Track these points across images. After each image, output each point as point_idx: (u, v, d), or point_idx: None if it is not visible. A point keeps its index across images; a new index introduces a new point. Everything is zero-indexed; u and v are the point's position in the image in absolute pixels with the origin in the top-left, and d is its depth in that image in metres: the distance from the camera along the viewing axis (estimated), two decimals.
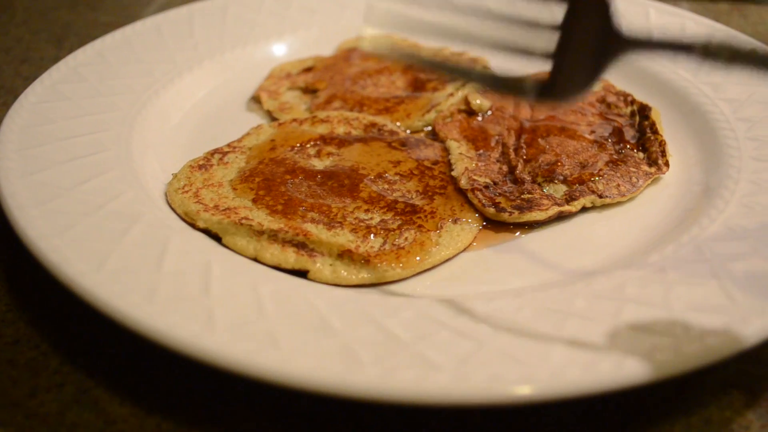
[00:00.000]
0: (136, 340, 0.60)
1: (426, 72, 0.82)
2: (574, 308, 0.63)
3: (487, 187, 0.81)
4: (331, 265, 0.71)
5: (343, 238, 0.74)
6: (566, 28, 0.63)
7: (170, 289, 0.63)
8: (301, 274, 0.71)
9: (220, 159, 0.85)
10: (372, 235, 0.75)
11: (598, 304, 0.63)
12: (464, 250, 0.75)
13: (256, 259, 0.72)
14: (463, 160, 0.85)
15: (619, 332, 0.59)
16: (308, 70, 1.05)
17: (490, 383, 0.55)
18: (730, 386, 0.64)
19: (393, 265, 0.72)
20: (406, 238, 0.75)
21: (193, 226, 0.75)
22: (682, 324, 0.60)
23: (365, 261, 0.71)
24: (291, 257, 0.71)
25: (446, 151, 0.88)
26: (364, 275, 0.71)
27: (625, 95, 0.96)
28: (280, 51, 1.09)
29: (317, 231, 0.74)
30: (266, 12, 1.12)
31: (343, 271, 0.71)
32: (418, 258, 0.73)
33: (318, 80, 1.02)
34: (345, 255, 0.72)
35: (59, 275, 0.64)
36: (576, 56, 0.63)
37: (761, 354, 0.66)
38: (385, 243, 0.74)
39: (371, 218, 0.77)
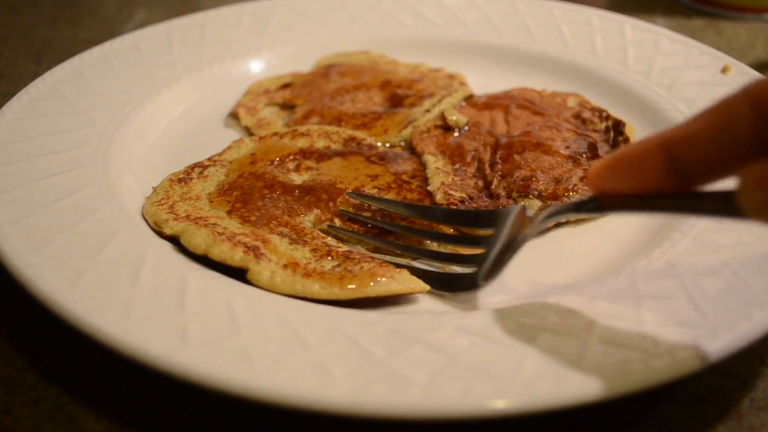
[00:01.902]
0: (111, 356, 0.61)
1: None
2: (546, 322, 0.63)
3: (462, 201, 0.82)
4: (271, 271, 0.70)
5: (300, 254, 0.74)
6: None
7: (145, 306, 0.64)
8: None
9: (200, 173, 0.86)
10: (329, 257, 0.74)
11: (570, 319, 0.64)
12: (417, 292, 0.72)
13: (205, 256, 0.72)
14: (440, 174, 0.86)
15: (591, 346, 0.60)
16: (286, 86, 1.05)
17: (462, 397, 0.56)
18: (700, 399, 0.65)
19: (332, 285, 0.70)
20: (361, 267, 0.72)
21: (161, 234, 0.76)
22: (653, 338, 0.60)
23: (306, 275, 0.71)
24: (237, 255, 0.71)
25: (423, 165, 0.88)
26: (297, 288, 0.69)
27: (600, 111, 0.97)
28: (258, 67, 1.09)
29: (279, 242, 0.75)
30: (244, 29, 1.13)
31: (278, 280, 0.70)
32: (363, 284, 0.70)
33: (296, 96, 1.02)
34: (290, 266, 0.71)
35: (35, 291, 0.64)
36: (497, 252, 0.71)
37: (731, 367, 0.67)
38: (338, 266, 0.73)
39: (339, 246, 0.77)
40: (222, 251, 0.71)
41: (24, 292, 0.66)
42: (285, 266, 0.71)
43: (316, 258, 0.74)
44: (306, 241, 0.76)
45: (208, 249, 0.72)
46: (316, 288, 0.69)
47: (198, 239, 0.73)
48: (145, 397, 0.64)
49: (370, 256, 0.75)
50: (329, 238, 0.78)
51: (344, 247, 0.77)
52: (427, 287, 0.72)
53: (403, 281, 0.71)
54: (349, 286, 0.69)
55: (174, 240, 0.75)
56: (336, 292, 0.69)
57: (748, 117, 0.51)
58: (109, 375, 0.66)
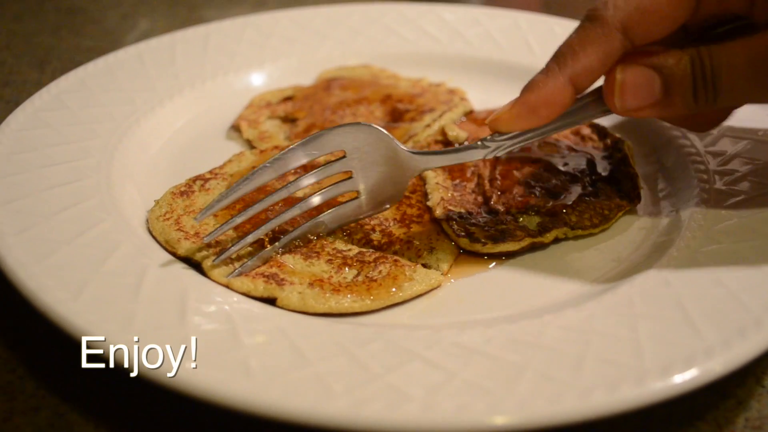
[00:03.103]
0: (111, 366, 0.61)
1: None
2: (543, 339, 0.64)
3: (461, 217, 0.82)
4: (300, 293, 0.71)
5: (318, 268, 0.75)
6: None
7: (147, 318, 0.64)
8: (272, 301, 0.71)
9: (202, 185, 0.86)
10: (347, 267, 0.75)
11: (566, 335, 0.64)
12: (437, 287, 0.76)
13: (227, 286, 0.72)
14: (439, 189, 0.86)
15: (586, 363, 0.61)
16: (288, 99, 1.06)
17: (459, 413, 0.56)
18: (696, 418, 0.65)
19: (362, 296, 0.72)
20: (380, 272, 0.75)
21: (174, 254, 0.76)
22: (649, 356, 0.61)
23: (335, 291, 0.72)
24: (260, 286, 0.72)
25: (422, 180, 0.89)
26: (331, 304, 0.71)
27: (599, 128, 0.97)
28: (260, 80, 1.10)
29: (293, 261, 0.75)
30: (247, 41, 1.13)
31: (311, 300, 0.71)
32: (389, 292, 0.73)
33: (297, 109, 1.03)
34: (316, 284, 0.72)
35: (37, 303, 0.65)
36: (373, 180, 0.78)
37: (726, 386, 0.67)
38: (358, 275, 0.75)
39: (349, 249, 0.78)
40: (243, 283, 0.72)
41: (26, 301, 0.66)
42: (311, 284, 0.72)
43: (334, 269, 0.75)
44: (318, 253, 0.77)
45: (228, 281, 0.72)
46: (348, 302, 0.71)
47: (218, 269, 0.73)
48: (144, 408, 0.65)
49: (382, 255, 0.77)
50: (337, 242, 0.79)
51: (355, 249, 0.78)
52: (443, 278, 0.76)
53: (422, 280, 0.75)
54: (379, 296, 0.72)
55: (185, 259, 0.75)
56: (368, 304, 0.72)
57: (621, 41, 0.72)
58: (109, 385, 0.66)
